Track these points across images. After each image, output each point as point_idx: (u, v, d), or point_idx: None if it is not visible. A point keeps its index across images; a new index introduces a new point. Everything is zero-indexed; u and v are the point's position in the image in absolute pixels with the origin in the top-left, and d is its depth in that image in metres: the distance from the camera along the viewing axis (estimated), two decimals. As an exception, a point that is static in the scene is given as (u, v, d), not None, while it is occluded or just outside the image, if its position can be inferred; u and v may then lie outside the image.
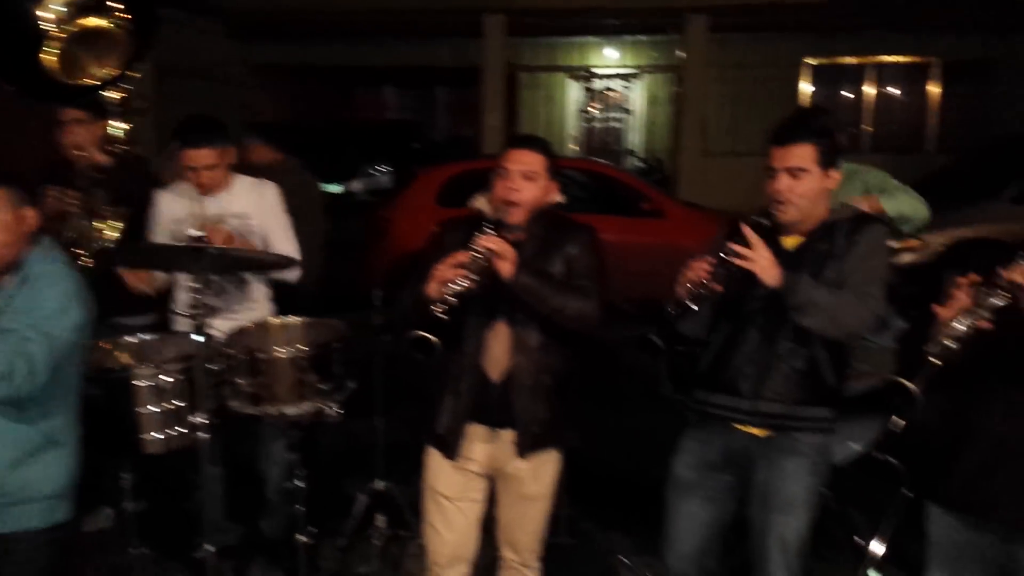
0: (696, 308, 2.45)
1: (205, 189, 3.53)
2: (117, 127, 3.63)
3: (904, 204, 3.52)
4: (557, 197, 2.76)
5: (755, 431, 2.65)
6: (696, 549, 2.78)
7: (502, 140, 13.67)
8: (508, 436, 2.71)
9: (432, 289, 2.48)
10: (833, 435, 2.69)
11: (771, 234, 2.60)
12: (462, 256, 2.47)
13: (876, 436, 3.30)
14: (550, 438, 2.74)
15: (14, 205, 2.39)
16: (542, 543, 2.92)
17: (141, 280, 3.50)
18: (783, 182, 2.58)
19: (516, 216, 2.65)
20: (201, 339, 2.91)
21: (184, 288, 3.07)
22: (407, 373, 2.92)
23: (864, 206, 2.72)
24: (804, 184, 2.58)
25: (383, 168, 14.28)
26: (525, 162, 2.66)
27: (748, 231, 2.52)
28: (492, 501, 2.88)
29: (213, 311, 2.97)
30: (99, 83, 3.50)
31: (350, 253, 8.35)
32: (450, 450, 2.73)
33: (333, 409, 3.20)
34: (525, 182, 2.64)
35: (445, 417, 2.73)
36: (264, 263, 3.55)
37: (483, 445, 2.74)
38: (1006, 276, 2.10)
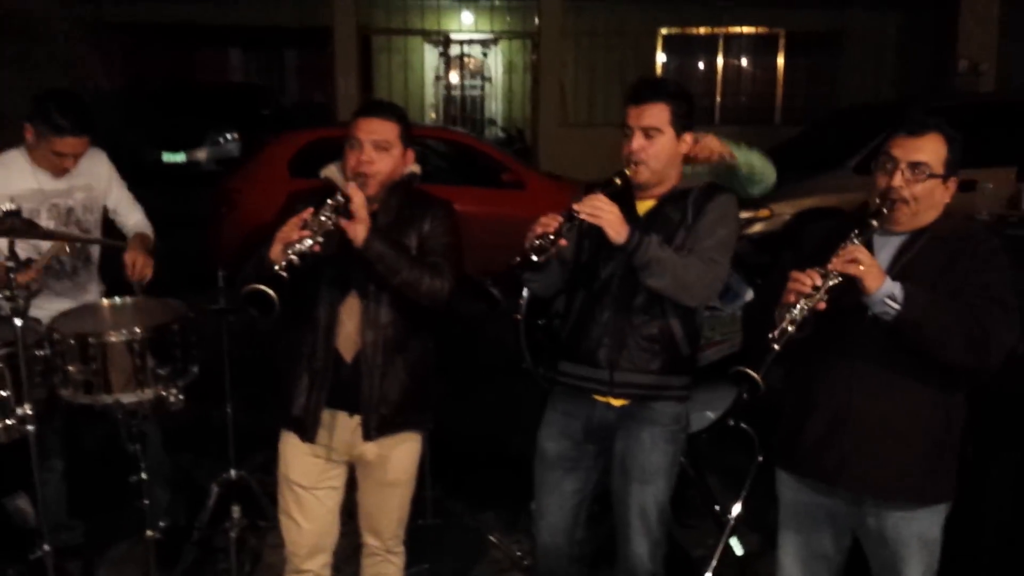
0: (538, 260, 2.37)
1: (63, 172, 3.24)
2: None
3: (754, 157, 3.59)
4: (414, 167, 2.64)
5: (613, 401, 2.65)
6: (566, 520, 2.77)
7: (357, 106, 13.27)
8: (359, 420, 2.59)
9: (275, 252, 2.31)
10: (689, 403, 2.73)
11: (625, 197, 2.58)
12: (307, 216, 2.32)
13: (730, 404, 3.37)
14: (401, 421, 2.63)
15: None
16: (405, 528, 2.83)
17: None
18: (637, 141, 2.57)
19: (369, 188, 2.51)
20: (21, 323, 2.63)
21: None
22: (257, 355, 2.75)
23: (716, 147, 2.73)
24: (657, 144, 2.58)
25: (230, 136, 13.64)
26: (377, 131, 2.53)
27: (595, 191, 2.48)
28: (353, 487, 2.76)
29: (35, 293, 2.68)
30: None
31: (196, 227, 7.93)
32: (307, 432, 2.59)
33: (175, 395, 2.98)
34: (378, 152, 2.52)
35: (300, 398, 2.58)
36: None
37: (338, 430, 2.61)
38: (834, 267, 2.15)
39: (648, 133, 2.56)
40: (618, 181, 2.53)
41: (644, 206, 2.65)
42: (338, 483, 2.71)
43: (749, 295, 3.45)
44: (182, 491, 3.80)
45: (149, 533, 3.06)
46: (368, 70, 14.46)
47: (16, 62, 10.34)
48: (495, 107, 16.82)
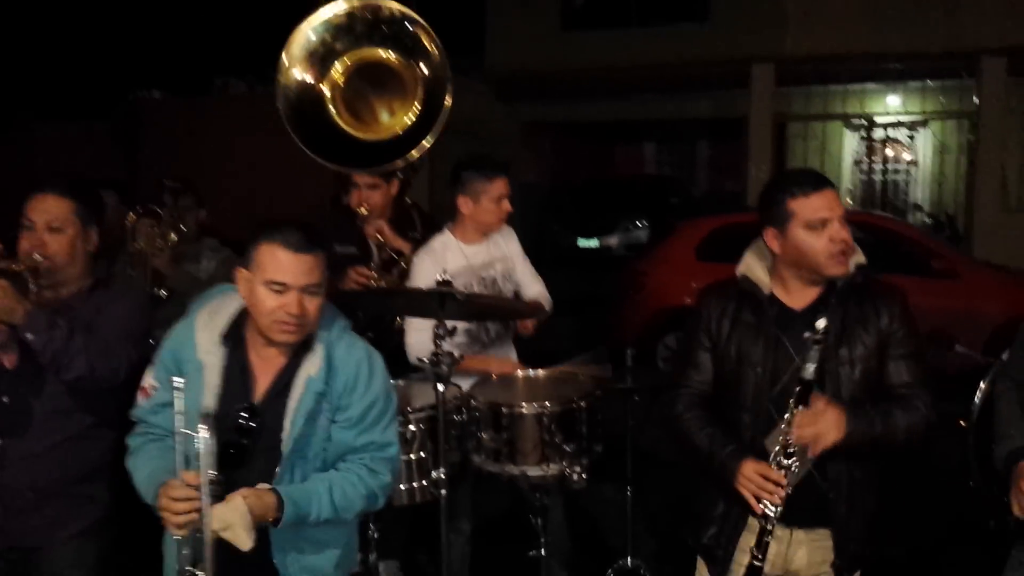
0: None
1: (500, 225, 3.46)
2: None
3: None
4: (858, 257, 2.33)
5: None
6: None
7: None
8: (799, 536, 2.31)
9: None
10: None
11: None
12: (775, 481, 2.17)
13: None
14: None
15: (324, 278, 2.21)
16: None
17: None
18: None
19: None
20: (443, 388, 2.75)
21: (427, 335, 2.96)
22: (659, 439, 2.59)
23: None
24: None
25: (640, 223, 14.13)
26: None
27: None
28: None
29: (457, 360, 2.79)
30: (397, 143, 3.28)
31: (605, 308, 8.18)
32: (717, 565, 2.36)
33: (579, 474, 2.93)
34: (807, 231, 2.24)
35: (711, 527, 2.38)
36: (515, 311, 3.39)
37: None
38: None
39: None
40: None
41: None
42: None
43: None
44: (577, 572, 3.73)
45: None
46: (782, 157, 14.14)
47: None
48: (921, 192, 15.45)
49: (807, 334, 2.10)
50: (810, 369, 2.11)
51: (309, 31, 3.02)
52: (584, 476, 2.94)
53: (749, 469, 2.18)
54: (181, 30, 17.42)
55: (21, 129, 13.32)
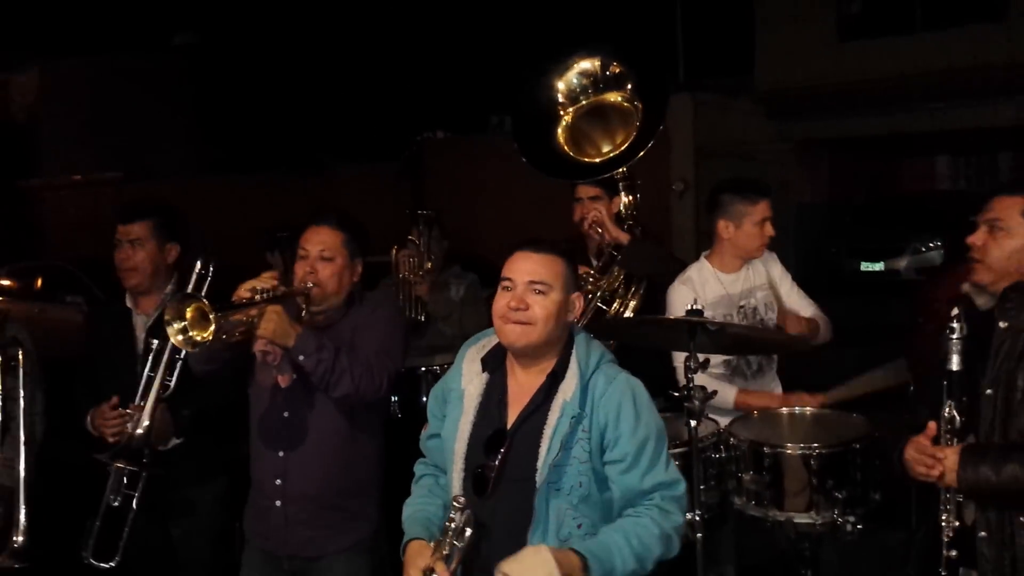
0: None
1: (762, 251, 3.30)
2: (626, 202, 3.51)
3: None
4: None
5: None
6: None
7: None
8: None
9: None
10: None
11: None
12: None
13: None
14: None
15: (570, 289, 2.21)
16: None
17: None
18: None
19: (981, 275, 2.24)
20: (694, 424, 2.60)
21: (680, 367, 2.82)
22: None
23: None
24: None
25: (932, 244, 12.91)
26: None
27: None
28: None
29: (711, 395, 2.62)
30: (611, 159, 3.41)
31: (892, 338, 7.51)
32: None
33: (852, 524, 2.66)
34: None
35: None
36: (776, 343, 3.17)
37: None
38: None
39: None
40: None
41: None
42: None
43: None
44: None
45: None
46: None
47: (729, 183, 11.43)
48: None
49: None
50: (954, 361, 2.10)
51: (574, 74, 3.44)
52: (859, 526, 2.68)
53: (911, 450, 2.22)
54: (461, 71, 18.50)
55: (326, 172, 14.83)
